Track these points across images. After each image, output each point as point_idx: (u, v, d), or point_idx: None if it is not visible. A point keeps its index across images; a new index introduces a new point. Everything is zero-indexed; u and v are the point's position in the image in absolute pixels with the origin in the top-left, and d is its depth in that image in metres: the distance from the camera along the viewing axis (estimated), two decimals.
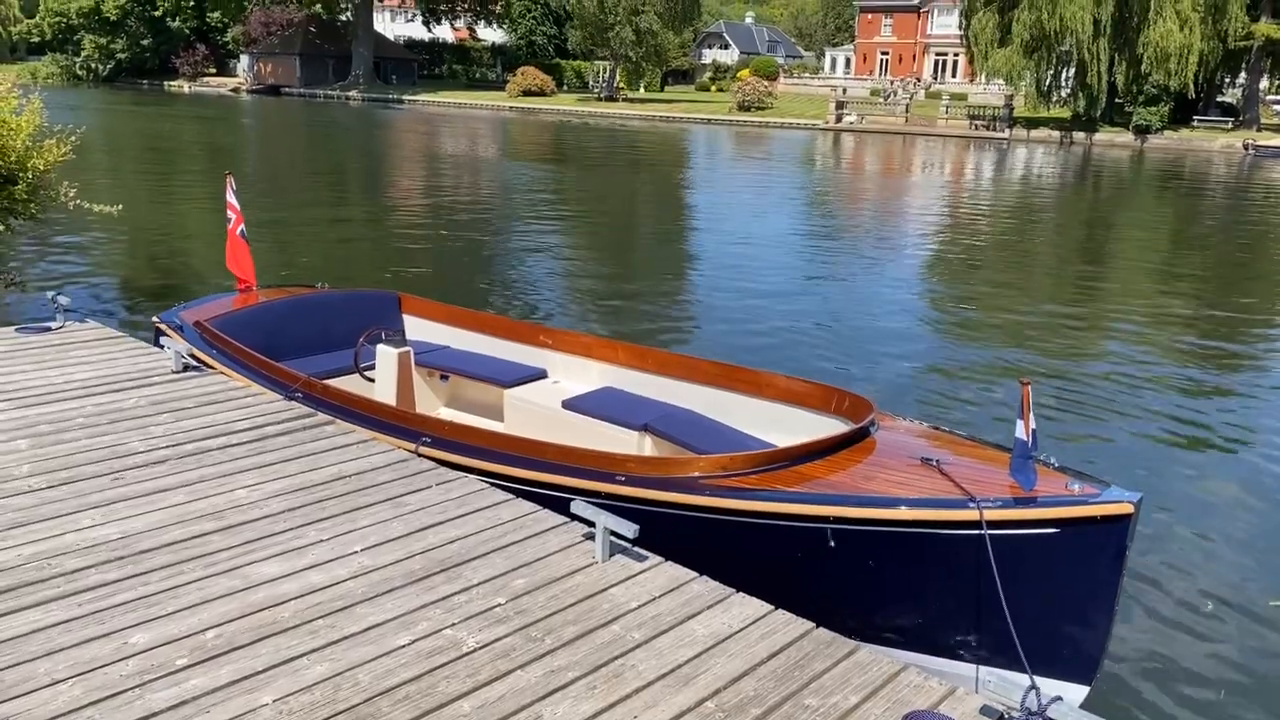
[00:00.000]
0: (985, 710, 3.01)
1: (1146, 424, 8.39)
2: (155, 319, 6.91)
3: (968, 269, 16.35)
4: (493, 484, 4.55)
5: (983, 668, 3.92)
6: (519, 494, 4.45)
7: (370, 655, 3.13)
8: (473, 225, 18.59)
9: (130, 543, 3.81)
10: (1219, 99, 55.08)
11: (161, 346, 6.38)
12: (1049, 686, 3.29)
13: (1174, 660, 4.88)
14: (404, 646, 3.19)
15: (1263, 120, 52.81)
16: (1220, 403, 9.09)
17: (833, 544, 3.90)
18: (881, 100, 64.10)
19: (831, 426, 5.11)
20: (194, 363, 6.06)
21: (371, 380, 6.38)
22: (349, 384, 6.19)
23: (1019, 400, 3.78)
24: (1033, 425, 3.80)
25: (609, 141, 43.07)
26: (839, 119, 55.98)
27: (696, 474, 4.28)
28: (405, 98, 69.00)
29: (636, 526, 3.71)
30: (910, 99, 63.14)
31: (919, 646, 4.03)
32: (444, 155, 34.35)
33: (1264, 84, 53.53)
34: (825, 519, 3.88)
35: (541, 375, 6.46)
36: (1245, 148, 45.95)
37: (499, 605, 3.48)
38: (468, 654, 3.17)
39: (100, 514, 4.05)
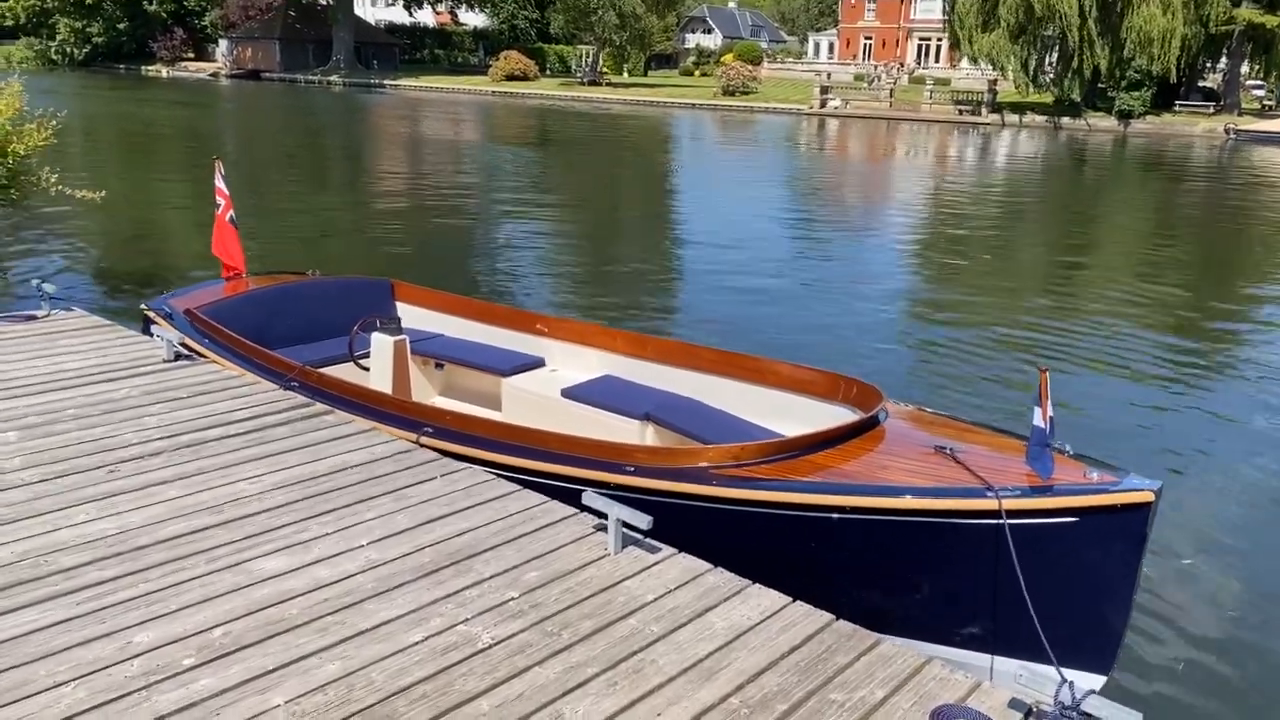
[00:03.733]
0: (1014, 704, 2.95)
1: (1161, 407, 8.34)
2: (144, 306, 6.76)
3: (965, 253, 16.30)
4: (496, 474, 4.46)
5: (998, 658, 3.87)
6: (523, 484, 4.36)
7: (383, 653, 3.05)
8: (461, 211, 18.41)
9: (128, 538, 3.71)
10: (1200, 84, 55.22)
11: (151, 335, 6.24)
12: (1067, 676, 3.23)
13: (1191, 648, 4.84)
14: (418, 643, 3.11)
15: (1243, 105, 53.03)
16: (1233, 385, 9.06)
17: (848, 534, 3.84)
18: (865, 85, 63.96)
19: (838, 415, 5.03)
20: (185, 351, 5.92)
21: (366, 369, 6.26)
22: (343, 372, 6.07)
23: (1036, 388, 3.72)
24: (1050, 413, 3.75)
25: (593, 126, 42.78)
26: (823, 104, 55.82)
27: (706, 464, 4.20)
28: (387, 82, 68.26)
29: (650, 518, 3.64)
30: (894, 84, 63.01)
31: (935, 637, 3.97)
32: (429, 140, 34.02)
33: (1244, 68, 53.69)
34: (842, 509, 3.81)
35: (539, 363, 6.37)
36: (1226, 132, 46.15)
37: (512, 599, 3.40)
38: (483, 650, 3.09)
39: (96, 508, 3.94)
